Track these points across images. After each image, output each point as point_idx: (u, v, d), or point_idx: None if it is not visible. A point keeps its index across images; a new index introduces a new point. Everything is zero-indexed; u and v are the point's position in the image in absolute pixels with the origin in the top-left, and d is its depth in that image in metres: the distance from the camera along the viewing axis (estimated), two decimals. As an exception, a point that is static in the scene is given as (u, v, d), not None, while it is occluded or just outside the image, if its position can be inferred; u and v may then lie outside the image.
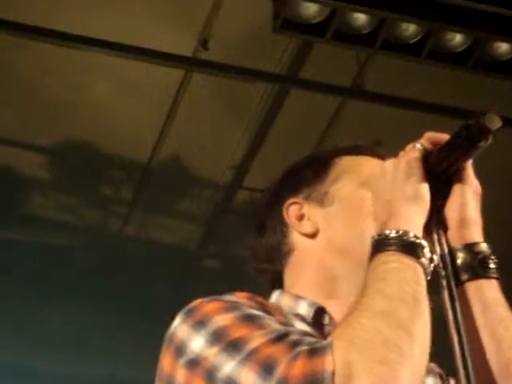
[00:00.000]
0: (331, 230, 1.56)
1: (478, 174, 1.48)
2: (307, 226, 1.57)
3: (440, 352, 1.35)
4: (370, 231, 1.48)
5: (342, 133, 4.85)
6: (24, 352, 5.78)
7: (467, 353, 1.30)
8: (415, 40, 3.98)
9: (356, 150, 1.66)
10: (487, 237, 1.48)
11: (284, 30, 4.01)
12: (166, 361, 1.36)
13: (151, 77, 4.80)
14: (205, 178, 5.44)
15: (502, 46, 4.05)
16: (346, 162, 1.64)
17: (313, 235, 1.57)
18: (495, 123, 1.35)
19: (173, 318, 1.40)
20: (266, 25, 4.11)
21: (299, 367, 1.20)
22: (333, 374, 1.18)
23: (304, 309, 1.48)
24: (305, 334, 1.34)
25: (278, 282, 1.60)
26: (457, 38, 3.99)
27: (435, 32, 3.95)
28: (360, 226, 1.53)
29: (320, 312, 1.48)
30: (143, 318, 5.71)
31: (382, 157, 1.63)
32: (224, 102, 4.99)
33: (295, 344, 1.25)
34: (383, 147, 1.67)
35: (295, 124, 5.01)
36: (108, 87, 4.83)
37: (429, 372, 1.47)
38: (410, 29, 3.96)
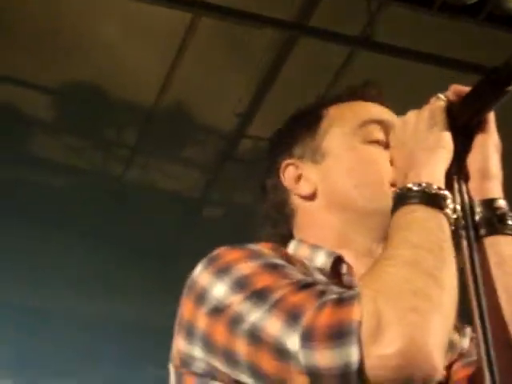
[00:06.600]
0: (327, 186, 1.54)
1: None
2: (305, 187, 1.56)
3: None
4: (365, 179, 1.49)
5: (349, 83, 4.80)
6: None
7: (483, 301, 1.28)
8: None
9: (347, 96, 1.63)
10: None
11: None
12: (186, 307, 1.35)
13: (159, 20, 4.75)
14: (209, 125, 5.41)
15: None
16: (335, 110, 1.61)
17: (312, 196, 1.55)
18: None
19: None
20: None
21: (326, 316, 1.19)
22: (360, 323, 1.16)
23: (322, 259, 1.47)
24: (329, 284, 1.32)
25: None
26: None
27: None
28: (353, 177, 1.52)
29: (338, 261, 1.47)
30: (143, 262, 5.74)
31: (376, 99, 1.62)
32: (231, 49, 4.94)
33: (321, 293, 1.23)
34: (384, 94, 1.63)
35: (302, 73, 4.96)
36: (115, 30, 4.78)
37: None
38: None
